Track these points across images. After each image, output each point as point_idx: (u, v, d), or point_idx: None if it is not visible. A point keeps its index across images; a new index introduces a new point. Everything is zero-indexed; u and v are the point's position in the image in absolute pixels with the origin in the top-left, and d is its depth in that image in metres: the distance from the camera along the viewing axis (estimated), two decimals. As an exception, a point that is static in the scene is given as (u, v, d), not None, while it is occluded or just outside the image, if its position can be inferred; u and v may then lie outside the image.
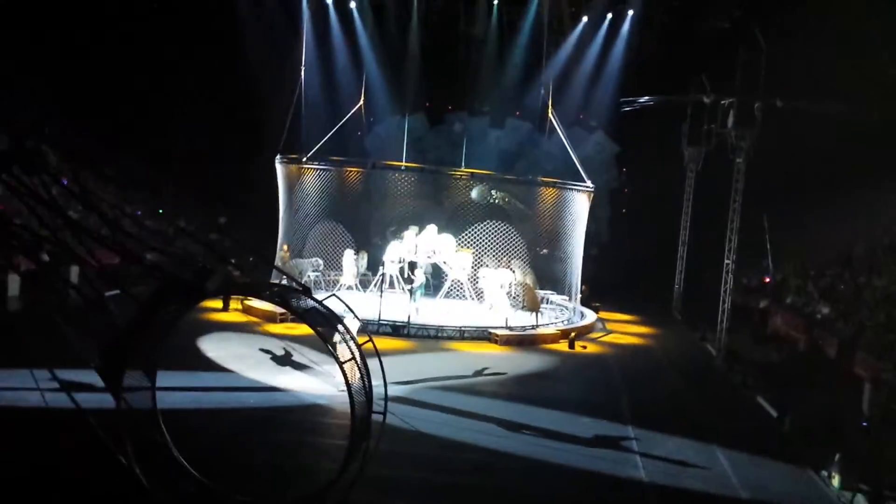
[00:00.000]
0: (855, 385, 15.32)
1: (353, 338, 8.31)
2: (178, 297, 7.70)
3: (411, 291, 19.92)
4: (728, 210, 21.23)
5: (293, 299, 8.20)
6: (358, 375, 8.09)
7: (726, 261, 20.87)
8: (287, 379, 14.31)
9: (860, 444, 12.13)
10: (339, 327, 8.28)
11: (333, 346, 8.09)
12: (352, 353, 8.15)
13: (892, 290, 19.33)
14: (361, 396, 8.11)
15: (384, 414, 8.70)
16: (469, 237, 22.05)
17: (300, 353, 16.16)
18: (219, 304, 20.26)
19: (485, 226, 22.15)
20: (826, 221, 26.54)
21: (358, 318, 12.27)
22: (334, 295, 8.84)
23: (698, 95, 24.48)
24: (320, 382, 14.12)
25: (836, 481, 10.82)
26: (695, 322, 23.33)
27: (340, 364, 7.97)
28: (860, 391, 14.60)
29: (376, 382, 8.37)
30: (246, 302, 20.51)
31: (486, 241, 21.97)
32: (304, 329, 18.57)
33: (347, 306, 9.00)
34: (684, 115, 25.72)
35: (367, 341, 8.69)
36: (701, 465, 11.47)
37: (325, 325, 8.13)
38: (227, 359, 15.44)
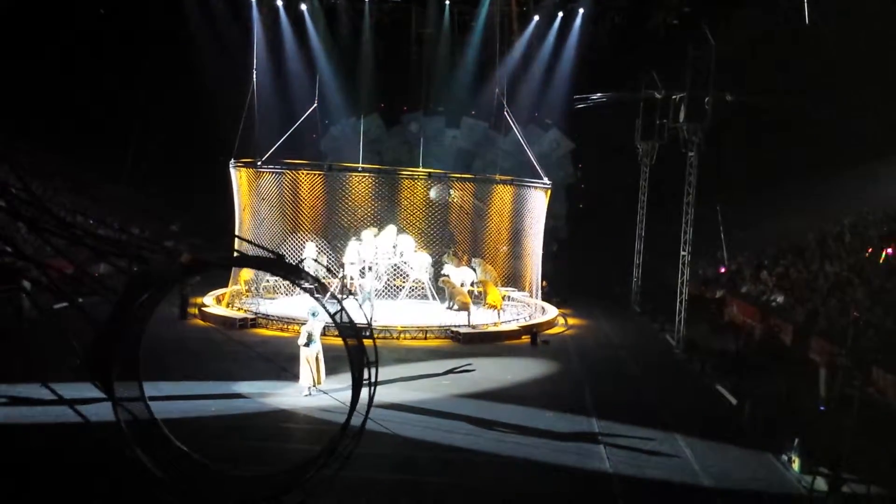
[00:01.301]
0: (811, 370, 15.64)
1: (336, 297, 9.07)
2: (153, 282, 7.77)
3: (365, 297, 19.91)
4: (682, 203, 21.47)
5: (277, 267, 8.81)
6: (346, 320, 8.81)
7: (682, 253, 21.11)
8: (248, 385, 14.13)
9: (818, 427, 12.38)
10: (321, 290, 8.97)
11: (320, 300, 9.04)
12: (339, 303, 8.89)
13: (844, 277, 19.79)
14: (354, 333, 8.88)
15: (365, 418, 8.69)
16: (429, 236, 22.01)
17: (261, 359, 15.93)
18: (175, 309, 19.94)
19: (444, 225, 22.10)
20: (778, 212, 27.12)
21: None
22: (309, 258, 9.36)
23: (650, 91, 24.76)
24: (282, 388, 13.97)
25: (795, 465, 11.03)
26: (654, 314, 23.60)
27: (334, 309, 8.88)
28: (816, 376, 14.89)
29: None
30: (203, 309, 20.23)
31: (446, 239, 21.91)
32: (263, 333, 18.57)
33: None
34: (637, 110, 25.98)
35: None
36: (664, 453, 11.62)
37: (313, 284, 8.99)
38: (186, 367, 15.22)
